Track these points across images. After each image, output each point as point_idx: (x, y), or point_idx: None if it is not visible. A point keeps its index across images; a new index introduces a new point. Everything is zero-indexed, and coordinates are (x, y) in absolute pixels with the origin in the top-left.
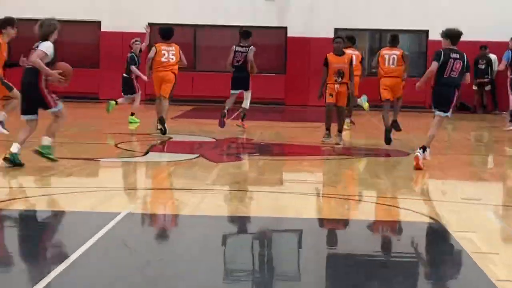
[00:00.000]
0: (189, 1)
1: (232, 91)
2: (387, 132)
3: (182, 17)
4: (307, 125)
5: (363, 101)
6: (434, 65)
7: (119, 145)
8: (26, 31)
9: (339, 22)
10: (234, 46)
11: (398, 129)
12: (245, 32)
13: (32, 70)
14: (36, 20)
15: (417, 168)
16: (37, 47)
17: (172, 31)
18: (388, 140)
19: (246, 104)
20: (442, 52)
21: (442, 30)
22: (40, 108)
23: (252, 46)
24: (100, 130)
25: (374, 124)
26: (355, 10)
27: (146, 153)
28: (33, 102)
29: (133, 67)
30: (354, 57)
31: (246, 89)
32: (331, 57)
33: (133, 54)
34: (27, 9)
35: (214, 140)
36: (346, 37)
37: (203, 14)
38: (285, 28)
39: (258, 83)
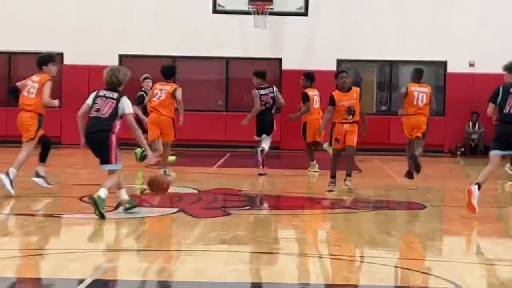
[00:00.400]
0: (167, 30)
1: (263, 136)
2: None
3: (160, 47)
4: (305, 172)
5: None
6: (490, 108)
7: (83, 199)
8: None
9: (342, 53)
10: (256, 91)
11: (417, 170)
12: (262, 73)
13: None
14: None
15: (470, 207)
16: None
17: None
18: (416, 167)
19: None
20: (501, 89)
21: (505, 64)
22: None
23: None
24: (62, 181)
25: (383, 171)
26: (361, 39)
27: (116, 207)
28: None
29: (135, 107)
30: (316, 98)
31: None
32: (337, 95)
33: (142, 93)
34: None
35: (197, 191)
36: (305, 75)
37: (184, 44)
38: (280, 59)
39: (248, 124)
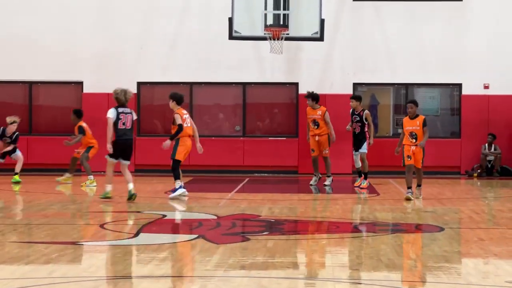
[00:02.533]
0: (183, 56)
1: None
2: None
3: (177, 74)
4: (323, 197)
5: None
6: None
7: (104, 225)
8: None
9: (358, 77)
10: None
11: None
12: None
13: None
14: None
15: None
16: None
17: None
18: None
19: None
20: None
21: None
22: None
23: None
24: (83, 208)
25: (401, 194)
26: (376, 63)
27: (137, 234)
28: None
29: None
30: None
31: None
32: (405, 121)
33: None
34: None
35: (216, 217)
36: (309, 95)
37: (201, 70)
38: (296, 84)
39: (266, 149)
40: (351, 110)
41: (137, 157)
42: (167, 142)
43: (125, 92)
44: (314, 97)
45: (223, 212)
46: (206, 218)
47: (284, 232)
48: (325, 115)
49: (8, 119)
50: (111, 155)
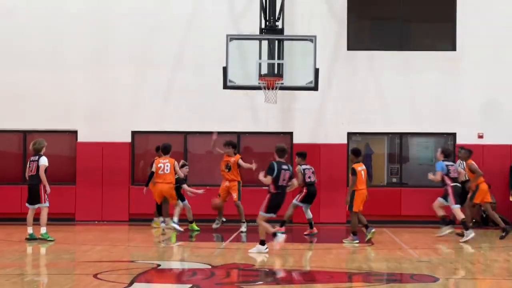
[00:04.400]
0: (178, 106)
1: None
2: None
3: (171, 123)
4: (318, 246)
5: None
6: None
7: (98, 275)
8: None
9: (353, 126)
10: (300, 166)
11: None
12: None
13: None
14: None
15: None
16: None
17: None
18: None
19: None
20: None
21: None
22: None
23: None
24: (76, 258)
25: (395, 243)
26: (370, 112)
27: (131, 284)
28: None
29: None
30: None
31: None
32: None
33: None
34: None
35: (210, 267)
36: (228, 144)
37: (195, 119)
38: (291, 133)
39: (261, 198)
40: None
41: (131, 206)
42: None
43: (33, 143)
44: (234, 146)
45: (218, 261)
46: (201, 268)
47: (279, 281)
48: (238, 161)
49: None
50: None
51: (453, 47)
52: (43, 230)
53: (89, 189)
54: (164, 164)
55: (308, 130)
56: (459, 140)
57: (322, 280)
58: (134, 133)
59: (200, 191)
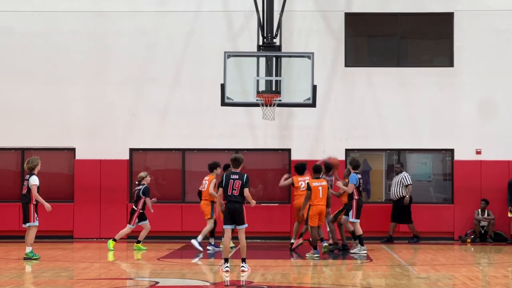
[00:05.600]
0: (176, 123)
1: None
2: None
3: (169, 141)
4: (316, 263)
5: None
6: None
7: None
8: None
9: (350, 143)
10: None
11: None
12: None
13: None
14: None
15: None
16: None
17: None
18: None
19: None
20: None
21: None
22: None
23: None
24: (75, 275)
25: (394, 259)
26: (368, 129)
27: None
28: None
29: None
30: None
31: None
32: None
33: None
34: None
35: (209, 284)
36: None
37: (193, 137)
38: (289, 150)
39: (259, 215)
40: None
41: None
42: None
43: (26, 161)
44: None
45: (216, 278)
46: (199, 285)
47: None
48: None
49: None
50: None
51: (450, 63)
52: (28, 249)
53: (87, 207)
54: (204, 181)
55: (306, 146)
56: (457, 157)
57: None
58: (132, 150)
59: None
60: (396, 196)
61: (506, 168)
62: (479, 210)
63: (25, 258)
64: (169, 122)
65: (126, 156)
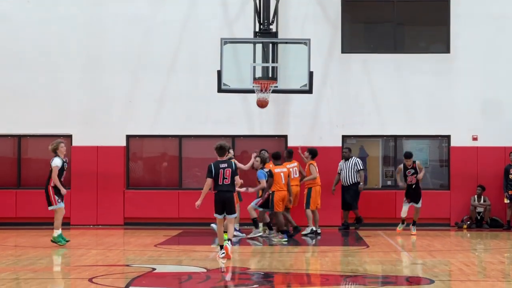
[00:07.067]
0: (172, 109)
1: None
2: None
3: (166, 127)
4: (313, 249)
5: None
6: None
7: (93, 280)
8: None
9: (347, 129)
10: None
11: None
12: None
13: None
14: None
15: None
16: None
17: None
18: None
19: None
20: None
21: None
22: None
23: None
24: (71, 262)
25: (390, 246)
26: (365, 115)
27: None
28: None
29: None
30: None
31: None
32: None
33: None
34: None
35: (205, 270)
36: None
37: (189, 123)
38: (285, 136)
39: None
40: (401, 166)
41: (126, 210)
42: None
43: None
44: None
45: (213, 265)
46: (196, 271)
47: (274, 285)
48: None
49: None
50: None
51: (447, 49)
52: (55, 232)
53: (84, 193)
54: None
55: (302, 133)
56: (453, 143)
57: (318, 283)
58: (128, 137)
59: None
60: (348, 183)
61: (502, 154)
62: (475, 196)
63: (52, 241)
64: (165, 108)
65: (123, 142)
